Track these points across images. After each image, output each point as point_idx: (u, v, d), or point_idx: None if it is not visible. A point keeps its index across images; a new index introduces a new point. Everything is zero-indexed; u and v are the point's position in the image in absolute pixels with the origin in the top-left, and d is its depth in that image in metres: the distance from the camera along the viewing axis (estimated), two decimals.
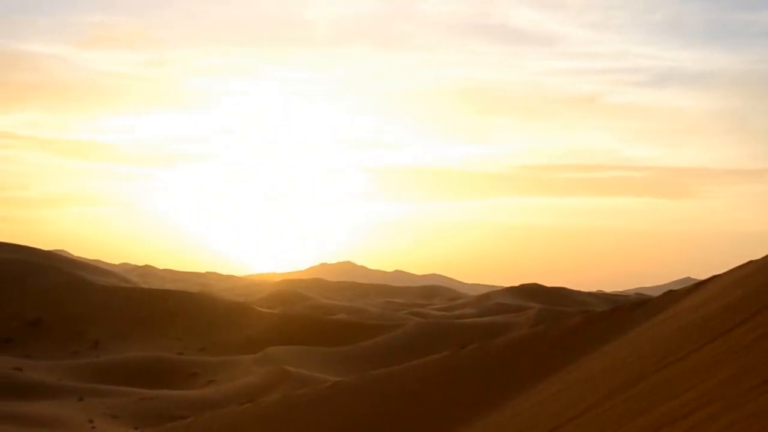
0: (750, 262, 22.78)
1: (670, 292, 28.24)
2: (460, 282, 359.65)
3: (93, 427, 60.36)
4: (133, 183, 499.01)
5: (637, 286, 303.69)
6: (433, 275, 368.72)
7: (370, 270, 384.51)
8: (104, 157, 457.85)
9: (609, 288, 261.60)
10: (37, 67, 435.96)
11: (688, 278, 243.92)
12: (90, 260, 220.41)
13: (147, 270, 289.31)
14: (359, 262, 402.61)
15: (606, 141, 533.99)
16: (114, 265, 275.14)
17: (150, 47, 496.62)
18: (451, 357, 29.78)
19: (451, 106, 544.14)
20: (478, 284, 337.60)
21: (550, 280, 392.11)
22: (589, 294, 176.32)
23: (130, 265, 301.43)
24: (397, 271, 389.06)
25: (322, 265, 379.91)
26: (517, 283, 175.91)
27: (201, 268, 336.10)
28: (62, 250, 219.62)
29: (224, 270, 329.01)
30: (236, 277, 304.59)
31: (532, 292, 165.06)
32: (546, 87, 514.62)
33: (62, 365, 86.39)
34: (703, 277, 27.70)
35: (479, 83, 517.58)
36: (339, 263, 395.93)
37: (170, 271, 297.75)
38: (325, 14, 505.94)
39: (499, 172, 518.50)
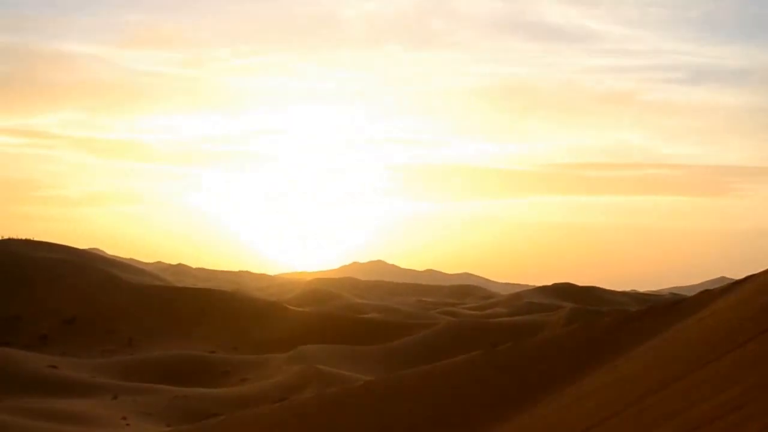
0: None
1: (706, 291, 27.97)
2: (492, 281, 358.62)
3: (127, 425, 60.81)
4: (168, 182, 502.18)
5: (672, 286, 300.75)
6: (465, 274, 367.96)
7: (402, 269, 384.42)
8: (140, 156, 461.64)
9: (642, 287, 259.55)
10: (76, 66, 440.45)
11: (723, 278, 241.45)
12: (124, 259, 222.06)
13: (180, 269, 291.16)
14: (390, 260, 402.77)
15: (642, 139, 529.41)
16: (148, 263, 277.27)
17: (187, 47, 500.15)
18: (484, 356, 29.70)
19: (485, 104, 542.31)
20: (510, 283, 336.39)
21: (582, 279, 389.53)
22: (623, 293, 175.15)
23: (164, 263, 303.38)
24: (428, 270, 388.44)
25: (354, 263, 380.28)
26: (549, 283, 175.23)
27: (234, 266, 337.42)
28: (97, 249, 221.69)
29: (257, 269, 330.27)
30: (268, 275, 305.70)
31: (564, 291, 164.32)
32: (581, 84, 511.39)
33: (97, 363, 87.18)
34: (739, 276, 27.37)
35: (514, 81, 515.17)
36: (370, 262, 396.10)
37: (203, 269, 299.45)
38: (361, 13, 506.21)
39: (533, 171, 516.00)
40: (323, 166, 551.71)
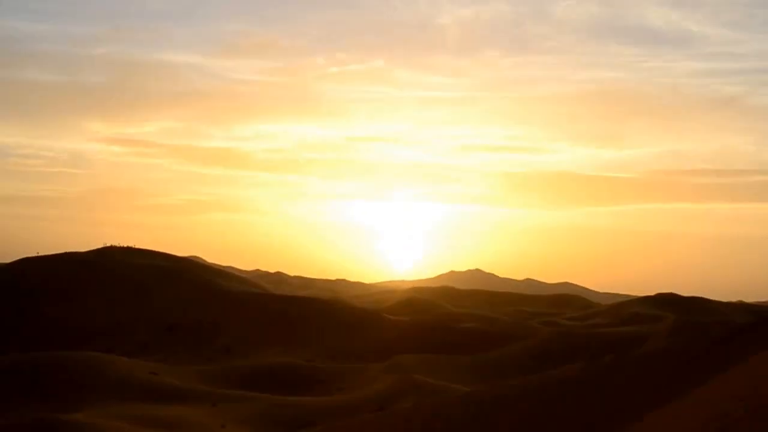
0: None
1: None
2: (592, 291, 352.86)
3: None
4: (266, 190, 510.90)
5: None
6: (565, 284, 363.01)
7: (500, 278, 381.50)
8: (239, 164, 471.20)
9: (750, 298, 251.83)
10: (176, 76, 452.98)
11: None
12: (223, 266, 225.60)
13: (278, 277, 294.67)
14: (488, 269, 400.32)
15: (748, 144, 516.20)
16: (246, 271, 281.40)
17: (284, 55, 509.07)
18: (587, 369, 28.63)
19: (585, 110, 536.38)
20: (611, 293, 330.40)
21: (686, 289, 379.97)
22: (729, 304, 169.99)
23: (262, 271, 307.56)
24: (527, 279, 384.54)
25: (451, 272, 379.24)
26: (651, 293, 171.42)
27: (331, 275, 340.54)
28: (197, 257, 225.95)
29: (353, 277, 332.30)
30: (365, 284, 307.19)
31: (668, 301, 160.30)
32: (684, 89, 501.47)
33: (195, 370, 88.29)
34: None
35: (614, 86, 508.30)
36: (468, 271, 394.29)
37: (301, 277, 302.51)
38: (458, 19, 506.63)
39: (635, 178, 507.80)
40: (420, 174, 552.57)
